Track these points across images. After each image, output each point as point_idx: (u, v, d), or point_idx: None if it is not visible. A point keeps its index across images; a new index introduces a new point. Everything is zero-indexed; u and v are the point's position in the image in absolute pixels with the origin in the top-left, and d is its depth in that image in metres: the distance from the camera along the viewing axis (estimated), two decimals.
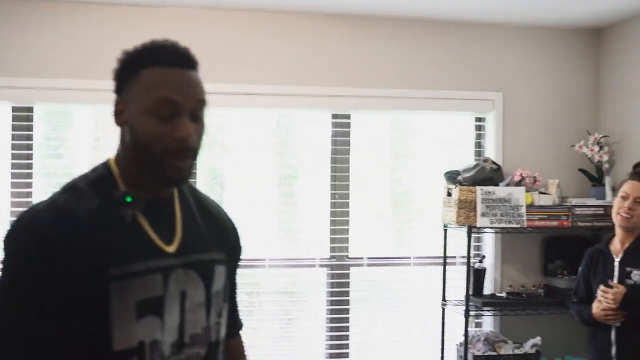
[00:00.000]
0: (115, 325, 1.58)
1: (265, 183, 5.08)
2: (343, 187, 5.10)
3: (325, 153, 5.11)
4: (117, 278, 1.59)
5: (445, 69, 5.12)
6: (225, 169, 5.12)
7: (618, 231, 3.90)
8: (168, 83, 1.63)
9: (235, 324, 2.02)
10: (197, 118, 1.69)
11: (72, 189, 1.68)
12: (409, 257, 5.23)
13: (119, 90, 1.70)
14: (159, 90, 1.62)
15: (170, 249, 1.70)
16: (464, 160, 5.20)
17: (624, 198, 3.80)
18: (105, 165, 1.74)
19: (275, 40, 4.88)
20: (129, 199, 1.65)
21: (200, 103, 1.69)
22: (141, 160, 1.66)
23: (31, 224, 1.59)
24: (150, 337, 1.62)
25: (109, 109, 1.73)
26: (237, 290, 2.01)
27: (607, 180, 5.03)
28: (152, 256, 1.66)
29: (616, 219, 3.86)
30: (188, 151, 1.65)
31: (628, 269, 3.77)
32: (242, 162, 5.04)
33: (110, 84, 1.74)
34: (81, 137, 4.93)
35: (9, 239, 1.60)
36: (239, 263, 1.98)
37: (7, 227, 1.62)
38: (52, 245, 1.55)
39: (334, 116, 5.10)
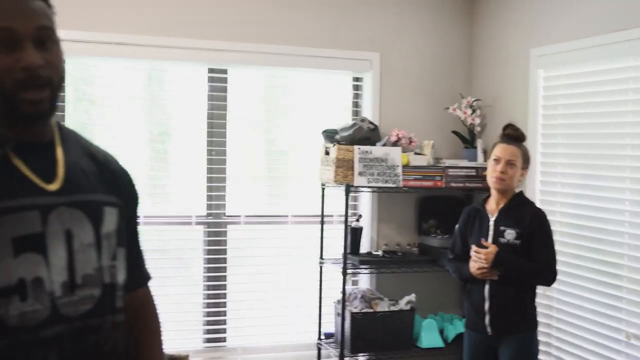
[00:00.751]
0: None
1: (137, 139, 4.82)
2: (220, 143, 4.90)
3: (201, 109, 4.89)
4: None
5: (324, 27, 5.00)
6: (94, 124, 4.82)
7: (493, 192, 3.93)
8: (1, 11, 1.53)
9: (140, 275, 1.97)
10: (45, 46, 1.57)
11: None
12: (287, 216, 5.13)
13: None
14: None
15: (52, 187, 1.62)
16: (342, 119, 5.10)
17: (497, 161, 3.82)
18: None
19: None
20: None
21: (44, 30, 1.57)
22: None
23: None
24: (31, 275, 1.54)
25: None
26: (139, 239, 1.95)
27: (479, 143, 5.07)
28: (28, 194, 1.58)
29: (490, 181, 3.89)
30: (39, 80, 1.55)
31: (502, 228, 3.82)
32: (112, 116, 4.77)
33: None
34: None
35: None
36: (136, 211, 1.92)
37: None
38: None
39: (210, 70, 4.89)
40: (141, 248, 1.97)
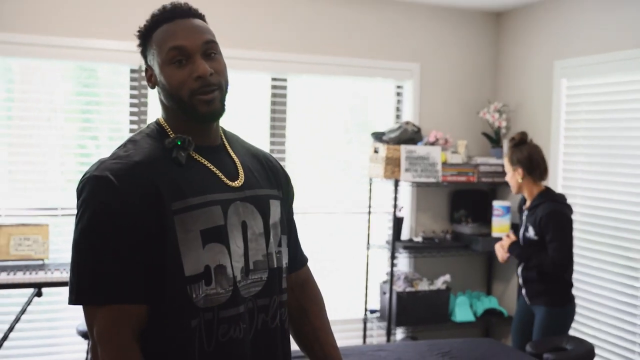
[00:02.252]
0: (185, 255, 1.65)
1: None
2: (280, 143, 5.19)
3: (264, 113, 5.17)
4: (180, 211, 1.66)
5: (372, 40, 5.30)
6: None
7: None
8: (173, 33, 1.72)
9: (301, 257, 2.09)
10: (211, 57, 1.75)
11: (130, 142, 1.76)
12: (337, 208, 5.42)
13: (145, 61, 1.81)
14: (168, 42, 1.71)
15: (235, 184, 1.78)
16: (386, 122, 5.42)
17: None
18: (156, 121, 1.83)
19: (227, 7, 4.90)
20: (179, 142, 1.72)
21: (209, 43, 1.75)
22: (179, 109, 1.74)
23: (99, 173, 1.64)
24: (214, 262, 1.69)
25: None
26: (296, 227, 2.08)
27: (505, 143, 5.38)
28: (217, 190, 1.74)
29: None
30: (211, 86, 1.72)
31: (527, 224, 4.14)
32: None
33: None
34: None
35: (82, 187, 1.66)
36: (293, 202, 2.05)
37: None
38: (119, 188, 1.61)
39: (273, 79, 5.16)
40: (296, 231, 2.09)
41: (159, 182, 1.65)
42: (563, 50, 4.96)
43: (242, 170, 1.83)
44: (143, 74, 4.64)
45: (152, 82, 1.79)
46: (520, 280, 4.21)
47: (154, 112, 4.87)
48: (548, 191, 4.14)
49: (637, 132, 4.37)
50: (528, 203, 4.17)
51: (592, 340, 4.61)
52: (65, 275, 4.13)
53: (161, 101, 1.80)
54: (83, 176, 1.68)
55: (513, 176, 4.16)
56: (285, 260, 1.91)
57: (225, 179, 1.77)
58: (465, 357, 3.81)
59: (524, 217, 4.21)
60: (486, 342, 4.10)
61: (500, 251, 4.30)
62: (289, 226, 1.99)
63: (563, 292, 4.10)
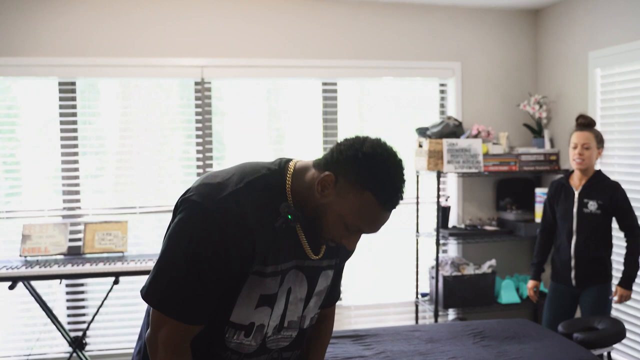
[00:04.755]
0: (238, 306, 1.66)
1: (260, 143, 5.10)
2: (332, 142, 5.15)
3: (316, 114, 5.15)
4: (256, 273, 1.64)
5: (416, 43, 5.19)
6: (225, 132, 5.10)
7: (576, 172, 3.99)
8: (374, 221, 1.62)
9: (334, 297, 2.01)
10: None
11: (250, 187, 1.63)
12: None
13: (337, 167, 1.61)
14: (366, 222, 1.61)
15: (315, 257, 1.75)
16: (431, 118, 5.29)
17: (575, 147, 3.90)
18: (283, 172, 1.69)
19: (272, 19, 4.91)
20: (290, 217, 1.63)
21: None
22: (308, 214, 1.66)
23: (211, 206, 1.57)
24: (259, 322, 1.70)
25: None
26: (342, 272, 2.00)
27: (546, 133, 5.17)
28: (291, 259, 1.71)
29: (573, 164, 3.95)
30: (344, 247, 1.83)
31: (585, 200, 3.90)
32: (240, 125, 5.06)
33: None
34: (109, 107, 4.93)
35: (191, 207, 1.60)
36: (347, 260, 1.99)
37: (191, 193, 1.62)
38: (225, 233, 1.56)
39: (324, 84, 5.14)
40: (342, 277, 2.01)
41: (257, 242, 1.60)
42: (596, 41, 4.70)
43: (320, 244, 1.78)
44: (206, 85, 4.80)
45: (326, 191, 1.61)
46: (573, 262, 3.93)
47: (216, 125, 4.95)
48: (600, 170, 3.99)
49: None
50: (582, 181, 3.94)
51: (630, 320, 4.37)
52: (140, 265, 4.25)
53: (308, 184, 1.65)
54: (190, 193, 1.63)
55: (596, 154, 3.92)
56: (314, 320, 1.90)
57: (309, 251, 1.73)
58: (497, 336, 3.66)
59: (575, 196, 3.95)
60: (519, 322, 3.92)
61: (624, 299, 3.92)
62: (336, 273, 1.94)
63: (611, 265, 3.95)
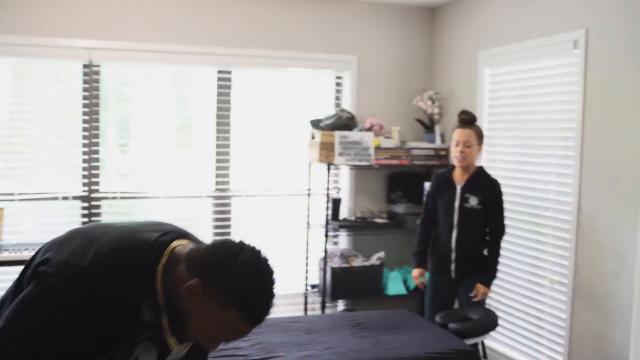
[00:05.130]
0: None
1: (163, 130, 4.95)
2: (225, 131, 5.06)
3: (211, 104, 5.03)
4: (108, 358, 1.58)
5: (312, 34, 5.15)
6: (130, 118, 4.92)
7: (458, 168, 4.05)
8: (235, 334, 1.58)
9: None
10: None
11: (121, 269, 1.55)
12: (279, 191, 5.28)
13: (207, 276, 1.53)
14: (226, 335, 1.58)
15: (180, 348, 1.67)
16: (326, 111, 5.25)
17: (457, 144, 3.97)
18: (154, 264, 1.57)
19: (166, 3, 4.76)
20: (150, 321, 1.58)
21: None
22: (176, 306, 1.58)
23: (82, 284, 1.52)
24: None
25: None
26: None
27: (437, 129, 5.25)
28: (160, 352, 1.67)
29: (454, 161, 4.02)
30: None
31: (466, 195, 3.98)
32: (145, 112, 4.89)
33: None
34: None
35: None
36: None
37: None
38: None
39: (219, 72, 5.02)
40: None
41: (113, 330, 1.55)
42: (486, 41, 4.80)
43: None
44: (94, 69, 4.59)
45: (194, 299, 1.53)
46: (453, 255, 4.00)
47: (117, 111, 4.75)
48: (482, 167, 4.09)
49: (546, 115, 4.24)
50: (465, 177, 4.01)
51: (502, 308, 4.51)
52: (14, 254, 4.03)
53: (176, 286, 1.55)
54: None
55: (477, 151, 4.01)
56: None
57: (173, 345, 1.64)
58: (376, 327, 3.68)
59: (457, 190, 4.01)
60: (399, 314, 3.96)
61: (484, 296, 3.99)
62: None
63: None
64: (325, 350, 3.29)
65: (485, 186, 3.98)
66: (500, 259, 4.06)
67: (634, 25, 3.51)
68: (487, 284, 3.95)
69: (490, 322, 3.73)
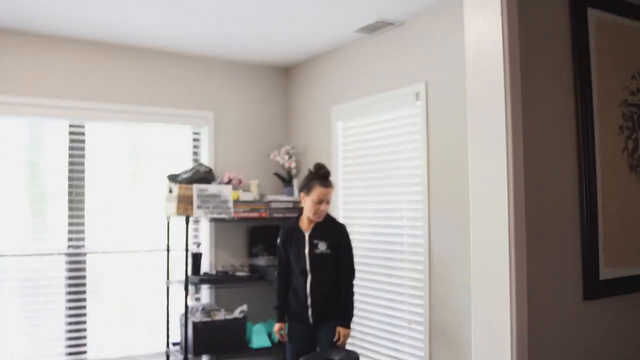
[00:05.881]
0: None
1: (12, 183, 4.72)
2: (79, 186, 4.90)
3: (63, 158, 4.88)
4: None
5: (170, 90, 5.18)
6: None
7: (305, 217, 4.14)
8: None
9: None
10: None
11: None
12: (137, 247, 5.15)
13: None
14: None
15: None
16: (184, 165, 5.24)
17: (320, 202, 4.04)
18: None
19: (27, 57, 4.63)
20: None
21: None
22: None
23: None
24: None
25: None
26: None
27: (295, 182, 5.39)
28: None
29: (313, 217, 4.07)
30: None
31: (315, 241, 4.07)
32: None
33: None
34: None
35: None
36: None
37: None
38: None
39: (71, 125, 4.90)
40: None
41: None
42: (337, 97, 5.06)
43: None
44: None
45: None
46: (309, 301, 4.05)
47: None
48: (328, 214, 4.19)
49: (396, 163, 4.49)
50: (312, 224, 4.10)
51: (363, 349, 4.62)
52: None
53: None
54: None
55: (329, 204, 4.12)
56: None
57: None
58: None
59: (305, 238, 4.09)
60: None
61: (345, 338, 4.06)
62: None
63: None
64: None
65: (332, 230, 4.11)
66: (356, 301, 4.17)
67: (463, 76, 3.87)
68: (347, 325, 4.04)
69: None
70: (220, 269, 5.20)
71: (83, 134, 4.94)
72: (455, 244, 3.93)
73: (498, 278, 2.24)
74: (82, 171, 4.92)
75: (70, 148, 4.90)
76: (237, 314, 4.98)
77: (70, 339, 4.85)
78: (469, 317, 3.81)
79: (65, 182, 4.87)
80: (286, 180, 5.45)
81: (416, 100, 4.24)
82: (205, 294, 5.28)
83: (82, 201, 4.90)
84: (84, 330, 4.89)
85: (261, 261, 5.22)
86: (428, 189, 4.13)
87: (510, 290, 2.18)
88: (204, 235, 5.33)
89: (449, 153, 3.98)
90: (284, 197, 5.26)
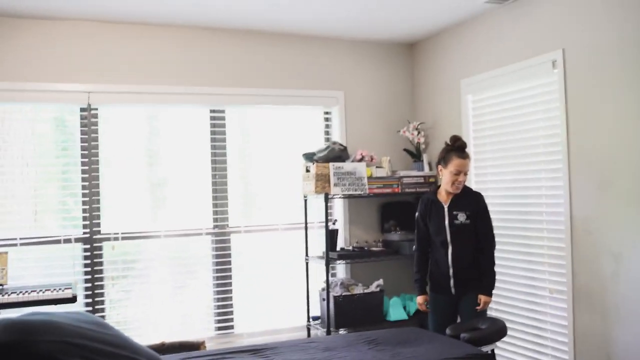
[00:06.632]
0: None
1: (162, 170, 5.09)
2: (222, 169, 5.22)
3: (206, 142, 5.20)
4: None
5: (301, 73, 5.41)
6: (128, 159, 5.01)
7: (443, 189, 4.26)
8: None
9: None
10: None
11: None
12: (277, 225, 5.42)
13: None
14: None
15: None
16: (317, 144, 5.45)
17: (457, 173, 4.14)
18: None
19: (169, 49, 4.97)
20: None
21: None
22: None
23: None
24: None
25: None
26: None
27: (425, 157, 5.49)
28: None
29: (451, 189, 4.18)
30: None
31: (454, 212, 4.19)
32: (128, 153, 5.01)
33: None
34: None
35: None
36: None
37: None
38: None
39: (211, 111, 5.21)
40: None
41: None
42: (466, 70, 5.10)
43: None
44: (93, 112, 4.73)
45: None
46: (451, 272, 4.17)
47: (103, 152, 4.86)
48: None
49: (531, 133, 4.49)
50: (450, 196, 4.21)
51: (505, 320, 4.65)
52: (20, 297, 4.07)
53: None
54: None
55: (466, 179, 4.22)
56: None
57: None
58: (390, 343, 3.78)
59: (445, 210, 4.21)
60: (410, 330, 4.07)
61: (486, 305, 4.18)
62: None
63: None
64: None
65: (469, 200, 4.20)
66: (497, 269, 4.25)
67: (605, 42, 3.83)
68: (488, 293, 4.13)
69: (499, 329, 3.88)
70: (355, 244, 5.38)
71: (223, 118, 5.24)
72: (599, 210, 3.91)
73: None
74: (224, 154, 5.22)
75: (212, 133, 5.21)
76: (374, 288, 5.15)
77: (218, 314, 5.19)
78: (615, 283, 3.82)
79: (209, 165, 5.18)
80: (415, 156, 5.55)
81: (553, 69, 4.23)
82: (341, 269, 5.49)
83: (225, 183, 5.21)
84: (230, 306, 5.21)
85: (394, 236, 5.35)
86: (568, 158, 4.12)
87: None
88: (338, 213, 5.52)
89: (590, 121, 3.95)
90: (415, 172, 5.37)
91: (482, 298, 4.12)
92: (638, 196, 3.65)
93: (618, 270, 3.82)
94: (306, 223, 5.32)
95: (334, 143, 5.18)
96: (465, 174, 4.18)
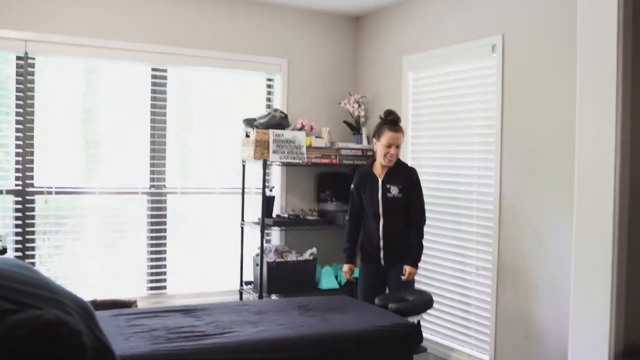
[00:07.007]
0: None
1: (99, 126, 5.03)
2: (161, 129, 5.19)
3: (146, 101, 5.15)
4: None
5: (245, 37, 5.40)
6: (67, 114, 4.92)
7: (378, 162, 4.37)
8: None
9: None
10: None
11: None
12: (214, 188, 5.45)
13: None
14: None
15: None
16: (258, 111, 5.46)
17: (389, 146, 4.26)
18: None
19: (113, 2, 4.88)
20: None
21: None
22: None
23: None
24: None
25: None
26: None
27: (364, 130, 5.60)
28: None
29: (384, 161, 4.30)
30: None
31: (388, 185, 4.31)
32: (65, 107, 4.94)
33: None
34: None
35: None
36: None
37: None
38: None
39: (153, 69, 5.16)
40: None
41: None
42: (409, 47, 5.21)
43: None
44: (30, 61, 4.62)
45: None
46: (381, 243, 4.31)
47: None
48: (399, 158, 4.37)
49: (467, 113, 4.66)
50: (384, 169, 4.33)
51: (432, 293, 4.85)
52: None
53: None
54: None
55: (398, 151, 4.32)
56: None
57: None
58: (320, 309, 3.90)
59: (379, 183, 4.33)
60: (339, 298, 4.21)
61: (411, 276, 4.29)
62: None
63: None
64: (278, 326, 3.49)
65: (403, 175, 4.33)
66: (426, 243, 4.42)
67: (543, 29, 4.00)
68: (414, 264, 4.27)
69: (426, 301, 4.05)
70: (291, 212, 5.47)
71: (165, 77, 5.20)
72: (528, 193, 4.11)
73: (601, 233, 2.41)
74: (164, 114, 5.20)
75: (153, 92, 5.16)
76: (307, 256, 5.26)
77: (151, 274, 5.21)
78: (538, 263, 4.04)
79: (148, 125, 5.15)
80: (355, 129, 5.64)
81: (492, 53, 4.38)
82: (276, 236, 5.57)
83: (164, 143, 5.19)
84: (164, 266, 5.24)
85: (330, 206, 5.46)
86: (501, 140, 4.30)
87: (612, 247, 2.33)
88: (275, 180, 5.59)
89: (525, 106, 4.13)
90: (353, 145, 5.47)
91: (407, 268, 4.26)
92: (560, 179, 3.85)
93: (539, 251, 4.04)
94: (243, 188, 5.37)
95: (275, 110, 5.22)
96: (398, 147, 4.29)
